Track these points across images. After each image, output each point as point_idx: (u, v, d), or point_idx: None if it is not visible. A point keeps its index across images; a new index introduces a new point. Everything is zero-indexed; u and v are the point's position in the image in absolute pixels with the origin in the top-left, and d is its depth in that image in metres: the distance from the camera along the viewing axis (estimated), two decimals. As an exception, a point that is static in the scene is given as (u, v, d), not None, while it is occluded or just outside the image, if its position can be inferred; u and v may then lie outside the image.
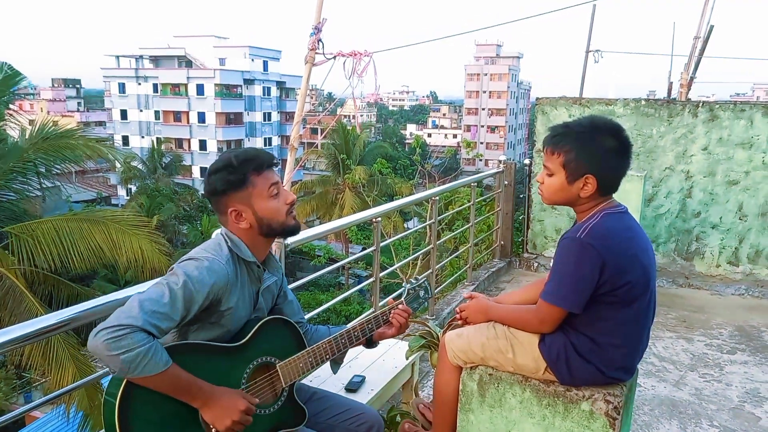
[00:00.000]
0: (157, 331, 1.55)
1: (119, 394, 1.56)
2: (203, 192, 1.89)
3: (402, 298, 2.18)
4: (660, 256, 6.11)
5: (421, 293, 2.23)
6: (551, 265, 1.90)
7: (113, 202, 39.06)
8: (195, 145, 45.88)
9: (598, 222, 1.82)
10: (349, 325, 2.08)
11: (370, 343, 2.15)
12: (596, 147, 1.82)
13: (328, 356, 1.96)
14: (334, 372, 2.15)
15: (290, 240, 2.70)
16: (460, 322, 2.16)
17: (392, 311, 2.10)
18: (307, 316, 2.34)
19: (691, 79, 6.82)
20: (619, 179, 1.88)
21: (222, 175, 1.79)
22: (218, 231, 1.88)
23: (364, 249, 14.23)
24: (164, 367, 1.54)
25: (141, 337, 1.50)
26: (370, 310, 3.44)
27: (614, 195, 1.92)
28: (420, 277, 2.30)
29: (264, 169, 1.82)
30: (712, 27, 6.67)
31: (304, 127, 3.41)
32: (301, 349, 1.93)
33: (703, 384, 3.78)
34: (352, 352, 2.96)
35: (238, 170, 1.79)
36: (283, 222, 1.86)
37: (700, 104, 5.95)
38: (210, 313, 1.73)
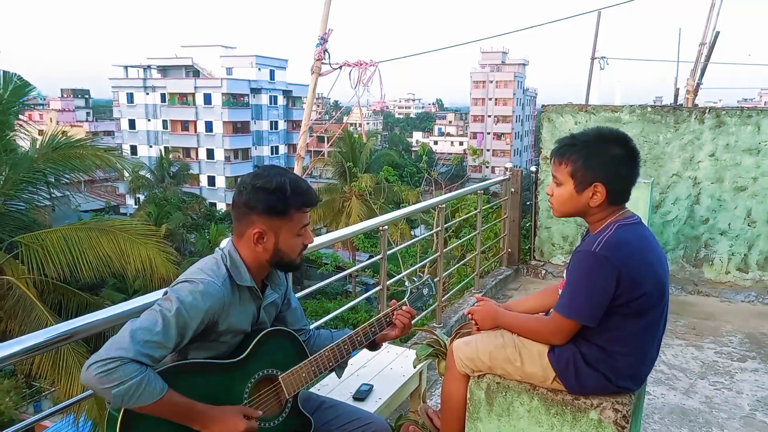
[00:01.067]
0: (150, 360, 1.54)
1: (122, 411, 1.55)
2: (234, 198, 1.82)
3: (405, 299, 2.16)
4: (668, 263, 6.07)
5: (425, 291, 2.22)
6: (565, 277, 1.89)
7: (122, 211, 39.27)
8: (202, 154, 46.13)
9: (612, 234, 1.81)
10: (352, 331, 2.06)
11: (374, 346, 2.14)
12: (603, 155, 1.84)
13: (331, 364, 1.95)
14: (339, 376, 2.14)
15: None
16: (473, 324, 2.14)
17: (395, 312, 2.10)
18: (314, 325, 2.34)
19: (698, 85, 6.81)
20: (628, 188, 1.89)
21: (268, 198, 1.74)
22: (220, 247, 1.85)
23: (371, 257, 14.22)
24: (159, 396, 1.53)
25: (132, 369, 1.49)
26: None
27: (621, 202, 1.92)
28: (423, 275, 2.28)
29: (307, 209, 1.83)
30: (718, 33, 6.67)
31: (310, 136, 3.43)
32: (303, 359, 1.91)
33: (713, 392, 3.75)
34: (359, 361, 2.97)
35: (286, 201, 1.76)
36: (293, 260, 1.86)
37: (707, 110, 5.93)
38: (208, 333, 1.72)
